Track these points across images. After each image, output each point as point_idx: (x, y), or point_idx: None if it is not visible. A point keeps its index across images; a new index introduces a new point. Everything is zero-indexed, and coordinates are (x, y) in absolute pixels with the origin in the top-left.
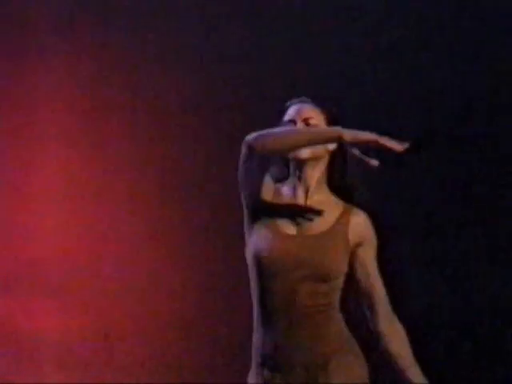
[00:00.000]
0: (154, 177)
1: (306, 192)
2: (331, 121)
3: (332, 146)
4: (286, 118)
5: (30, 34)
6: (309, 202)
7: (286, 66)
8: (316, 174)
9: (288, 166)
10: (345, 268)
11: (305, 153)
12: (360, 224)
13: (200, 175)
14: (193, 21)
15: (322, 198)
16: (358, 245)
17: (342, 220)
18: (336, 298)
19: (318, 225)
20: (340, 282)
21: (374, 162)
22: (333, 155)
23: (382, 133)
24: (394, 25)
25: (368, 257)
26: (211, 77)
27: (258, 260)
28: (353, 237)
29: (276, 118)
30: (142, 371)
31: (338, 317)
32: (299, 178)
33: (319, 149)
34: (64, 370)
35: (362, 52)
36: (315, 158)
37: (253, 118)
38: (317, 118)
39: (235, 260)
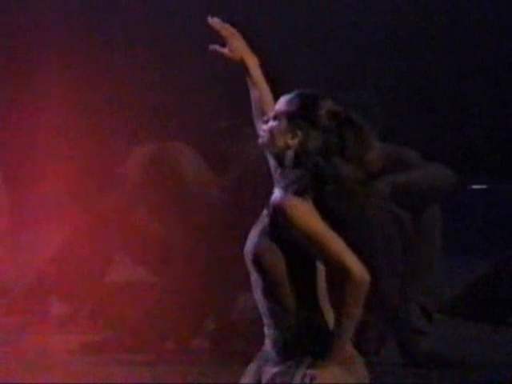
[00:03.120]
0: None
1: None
2: (290, 117)
3: (292, 142)
4: None
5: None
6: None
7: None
8: (275, 164)
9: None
10: (271, 256)
11: (260, 141)
12: (273, 204)
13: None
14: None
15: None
16: (284, 227)
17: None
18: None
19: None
20: (282, 280)
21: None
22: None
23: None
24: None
25: (299, 230)
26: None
27: None
28: (274, 221)
29: None
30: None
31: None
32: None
33: (277, 141)
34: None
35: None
36: (270, 149)
37: None
38: (280, 111)
39: None
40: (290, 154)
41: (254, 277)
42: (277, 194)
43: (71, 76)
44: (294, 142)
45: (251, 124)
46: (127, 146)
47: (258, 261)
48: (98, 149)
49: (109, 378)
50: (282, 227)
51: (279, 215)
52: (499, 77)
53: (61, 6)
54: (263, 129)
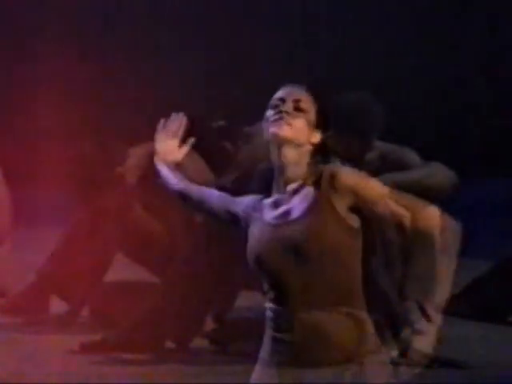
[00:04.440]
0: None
1: (284, 179)
2: (321, 113)
3: (315, 140)
4: (275, 96)
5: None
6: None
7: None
8: (293, 159)
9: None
10: (342, 235)
11: (285, 131)
12: (335, 178)
13: None
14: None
15: (299, 174)
16: (350, 192)
17: (320, 189)
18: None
19: (297, 206)
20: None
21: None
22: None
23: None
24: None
25: (369, 192)
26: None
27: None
28: (340, 196)
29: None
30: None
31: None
32: (278, 161)
33: (301, 134)
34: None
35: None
36: (294, 142)
37: None
38: (307, 103)
39: None
40: (306, 152)
41: (300, 270)
42: (329, 167)
43: (70, 75)
44: (315, 141)
45: (249, 123)
46: (127, 146)
47: (321, 248)
48: (97, 149)
49: (108, 378)
50: (342, 194)
51: (345, 181)
52: (501, 76)
53: (60, 7)
54: (289, 121)
